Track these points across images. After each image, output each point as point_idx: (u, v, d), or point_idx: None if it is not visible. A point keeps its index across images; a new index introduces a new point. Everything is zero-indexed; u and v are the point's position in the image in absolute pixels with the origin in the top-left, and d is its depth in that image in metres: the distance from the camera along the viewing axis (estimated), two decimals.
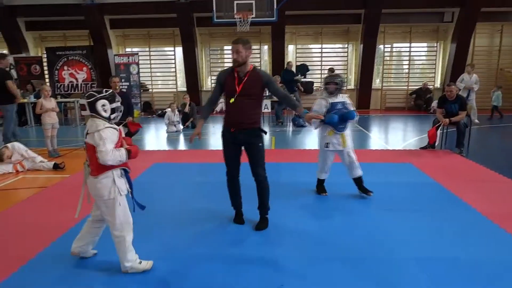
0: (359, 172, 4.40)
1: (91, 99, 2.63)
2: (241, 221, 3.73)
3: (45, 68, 13.43)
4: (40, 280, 2.71)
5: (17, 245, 3.30)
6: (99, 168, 2.63)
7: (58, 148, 7.00)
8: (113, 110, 2.72)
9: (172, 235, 3.46)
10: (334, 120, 4.19)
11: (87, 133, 2.66)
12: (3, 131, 6.85)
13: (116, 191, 2.68)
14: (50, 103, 6.82)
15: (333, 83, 4.29)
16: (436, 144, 6.77)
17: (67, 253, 2.99)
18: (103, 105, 2.65)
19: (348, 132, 4.40)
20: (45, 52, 13.85)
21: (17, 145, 6.05)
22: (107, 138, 2.57)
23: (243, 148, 3.56)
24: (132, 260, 2.75)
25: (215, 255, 3.07)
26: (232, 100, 3.38)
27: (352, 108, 4.39)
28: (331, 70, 12.02)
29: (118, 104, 2.76)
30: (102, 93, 2.69)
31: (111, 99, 2.69)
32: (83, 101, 2.64)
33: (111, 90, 2.79)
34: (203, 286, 2.63)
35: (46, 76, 13.55)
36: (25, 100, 10.98)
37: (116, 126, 2.72)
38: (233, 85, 3.39)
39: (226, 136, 3.54)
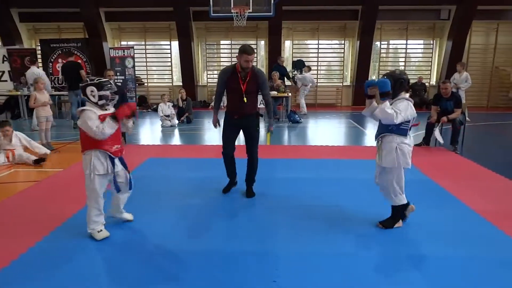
0: None
1: (83, 84, 3.11)
2: (227, 190, 4.42)
3: (39, 60, 13.26)
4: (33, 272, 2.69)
5: (11, 238, 3.27)
6: (84, 145, 3.14)
7: (51, 142, 6.94)
8: (100, 97, 3.09)
9: (165, 229, 3.45)
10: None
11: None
12: (73, 111, 7.81)
13: (91, 168, 3.09)
14: (43, 96, 6.74)
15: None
16: (442, 143, 6.71)
17: (60, 246, 2.96)
18: (92, 91, 3.08)
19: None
20: (39, 44, 13.69)
21: (20, 134, 6.08)
22: (88, 117, 2.99)
23: (241, 131, 4.24)
24: (91, 228, 3.21)
25: (210, 249, 3.06)
26: (245, 99, 4.03)
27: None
28: (308, 68, 12.10)
29: (107, 92, 3.11)
30: (94, 81, 3.11)
31: (99, 87, 3.08)
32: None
33: (104, 79, 3.17)
34: (199, 279, 2.62)
35: (40, 68, 13.38)
36: (18, 93, 10.86)
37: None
38: (237, 84, 4.01)
39: (229, 122, 4.21)
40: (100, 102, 3.11)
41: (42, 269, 2.75)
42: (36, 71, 10.24)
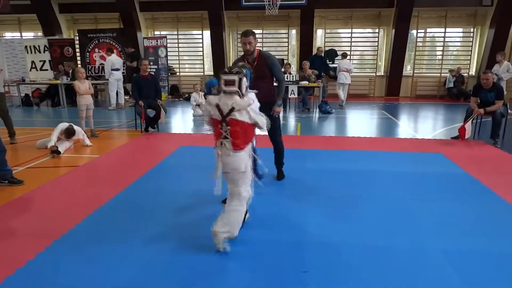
0: None
1: (241, 76, 2.73)
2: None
3: (77, 50, 13.75)
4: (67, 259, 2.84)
5: (53, 219, 3.45)
6: (244, 142, 2.80)
7: (95, 129, 7.22)
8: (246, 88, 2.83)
9: (194, 215, 3.52)
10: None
11: (231, 110, 2.69)
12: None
13: (249, 164, 2.88)
14: (84, 84, 6.99)
15: None
16: (467, 138, 6.52)
17: (97, 230, 3.11)
18: (245, 82, 2.79)
19: None
20: (77, 35, 14.19)
21: (78, 128, 6.33)
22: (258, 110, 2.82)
23: None
24: (234, 234, 2.87)
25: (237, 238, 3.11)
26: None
27: None
28: (344, 55, 11.67)
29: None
30: (243, 71, 2.77)
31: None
32: (235, 77, 2.72)
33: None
34: (227, 268, 2.68)
35: (78, 58, 13.89)
36: (58, 81, 11.33)
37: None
38: None
39: None
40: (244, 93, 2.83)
41: (85, 244, 2.90)
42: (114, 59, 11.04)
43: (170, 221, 3.42)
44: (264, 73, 3.99)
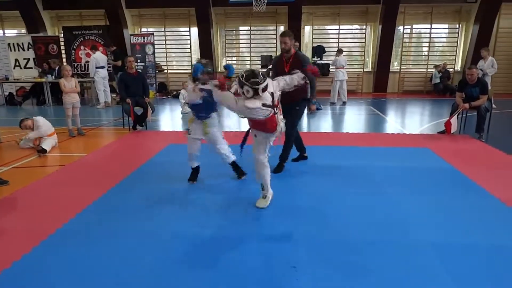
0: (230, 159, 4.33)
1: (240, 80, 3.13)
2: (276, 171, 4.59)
3: (62, 47, 13.51)
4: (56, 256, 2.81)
5: (40, 219, 3.40)
6: None
7: (81, 127, 7.11)
8: None
9: (184, 213, 3.51)
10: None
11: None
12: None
13: None
14: (70, 83, 6.87)
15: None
16: (453, 132, 6.63)
17: (85, 230, 3.08)
18: (247, 91, 3.12)
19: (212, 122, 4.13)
20: (62, 32, 13.94)
21: (43, 120, 6.04)
22: None
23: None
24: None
25: (232, 234, 3.11)
26: None
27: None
28: (339, 51, 11.64)
29: None
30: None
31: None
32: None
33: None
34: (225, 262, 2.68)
35: (64, 55, 13.66)
36: (43, 80, 11.12)
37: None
38: (282, 67, 4.41)
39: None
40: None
41: (76, 244, 2.86)
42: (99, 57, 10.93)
43: (160, 219, 3.40)
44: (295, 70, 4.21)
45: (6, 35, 14.73)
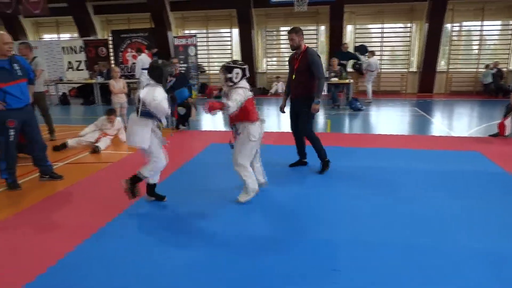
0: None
1: (229, 65, 3.55)
2: (298, 164, 4.77)
3: (111, 50, 14.19)
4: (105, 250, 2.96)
5: (89, 214, 3.61)
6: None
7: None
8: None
9: (224, 211, 3.58)
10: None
11: None
12: None
13: None
14: (119, 84, 7.20)
15: None
16: (507, 134, 6.26)
17: (134, 224, 3.22)
18: (237, 73, 3.54)
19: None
20: (110, 35, 14.63)
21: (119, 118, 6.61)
22: None
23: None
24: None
25: (271, 235, 3.13)
26: (293, 76, 4.44)
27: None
28: (371, 53, 11.32)
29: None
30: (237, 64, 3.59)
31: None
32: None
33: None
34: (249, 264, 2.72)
35: (112, 58, 14.33)
36: (93, 81, 11.72)
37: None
38: (293, 63, 4.46)
39: (290, 103, 4.63)
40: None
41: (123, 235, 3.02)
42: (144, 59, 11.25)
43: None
44: (304, 68, 4.33)
45: (60, 39, 15.69)
